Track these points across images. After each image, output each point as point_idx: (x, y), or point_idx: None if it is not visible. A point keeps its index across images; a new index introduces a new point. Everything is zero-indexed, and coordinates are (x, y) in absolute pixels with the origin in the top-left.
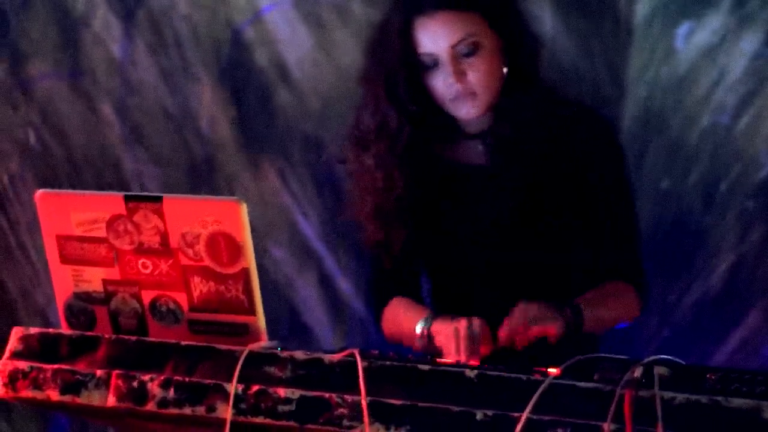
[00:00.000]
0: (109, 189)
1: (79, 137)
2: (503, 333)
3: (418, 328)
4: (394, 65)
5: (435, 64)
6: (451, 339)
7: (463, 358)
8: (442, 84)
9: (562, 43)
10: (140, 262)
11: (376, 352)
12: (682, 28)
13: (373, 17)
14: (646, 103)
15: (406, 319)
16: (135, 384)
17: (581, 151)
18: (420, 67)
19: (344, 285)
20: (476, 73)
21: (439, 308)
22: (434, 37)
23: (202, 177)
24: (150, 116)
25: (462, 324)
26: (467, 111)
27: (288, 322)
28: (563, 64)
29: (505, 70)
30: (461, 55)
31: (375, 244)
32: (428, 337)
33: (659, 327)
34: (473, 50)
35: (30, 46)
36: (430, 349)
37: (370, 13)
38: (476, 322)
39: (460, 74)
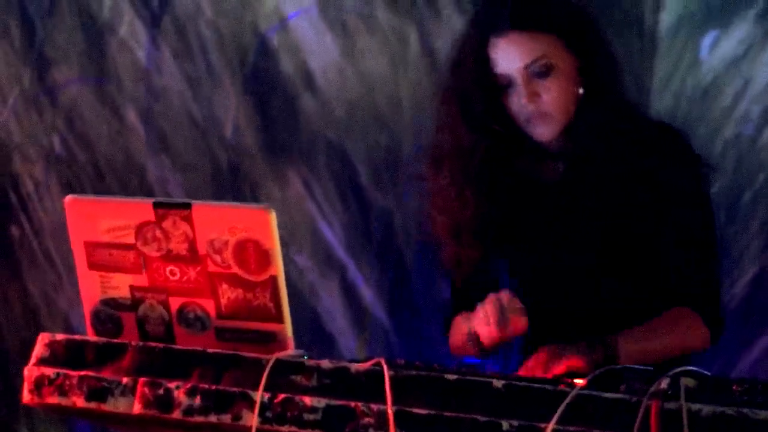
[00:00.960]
0: (134, 195)
1: (104, 144)
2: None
3: (466, 328)
4: (468, 85)
5: (509, 84)
6: (480, 315)
7: (494, 333)
8: (516, 104)
9: None
10: (168, 268)
11: (402, 361)
12: (707, 38)
13: (397, 25)
14: (671, 114)
15: (464, 326)
16: (161, 391)
17: (659, 170)
18: (496, 87)
19: (367, 293)
20: (550, 95)
21: None
22: (507, 57)
23: (226, 184)
24: (175, 123)
25: (490, 298)
26: (540, 132)
27: (310, 330)
28: (615, 55)
29: (581, 90)
30: (534, 75)
31: (449, 263)
32: (475, 335)
33: None
34: (547, 71)
35: (56, 52)
36: (478, 347)
37: (395, 22)
38: (504, 294)
39: (533, 95)
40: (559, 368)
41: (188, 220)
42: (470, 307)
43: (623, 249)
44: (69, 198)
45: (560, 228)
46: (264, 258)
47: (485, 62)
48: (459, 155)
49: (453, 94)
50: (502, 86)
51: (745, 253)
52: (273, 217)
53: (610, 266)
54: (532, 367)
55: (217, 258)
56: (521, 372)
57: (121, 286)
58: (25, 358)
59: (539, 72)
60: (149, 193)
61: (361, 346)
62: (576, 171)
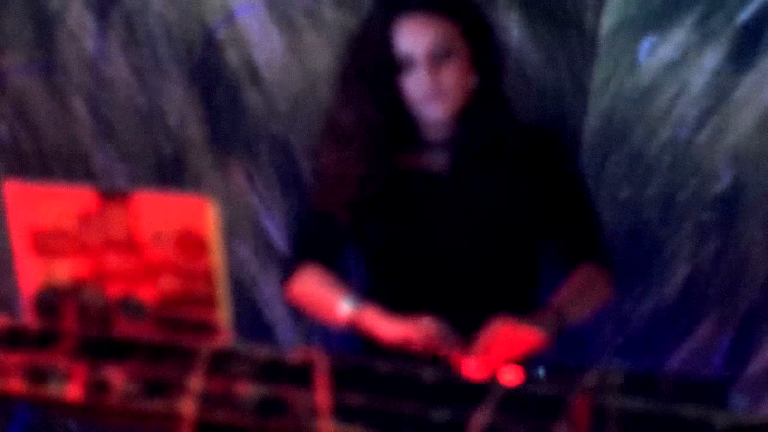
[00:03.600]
0: (78, 183)
1: (50, 131)
2: (479, 350)
3: (345, 308)
4: (373, 63)
5: (410, 64)
6: (419, 339)
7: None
8: (415, 84)
9: (527, 53)
10: (108, 256)
11: (337, 352)
12: (646, 42)
13: (344, 22)
14: (609, 115)
15: (326, 291)
16: (99, 377)
17: (535, 159)
18: (393, 68)
19: None
20: (449, 76)
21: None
22: (412, 38)
23: (170, 174)
24: (121, 112)
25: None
26: (435, 111)
27: (250, 321)
28: (528, 74)
29: (474, 79)
30: (436, 57)
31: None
32: (352, 322)
33: (614, 334)
34: (447, 54)
35: (3, 40)
36: (353, 329)
37: (341, 18)
38: (436, 324)
39: (434, 74)
40: (519, 347)
41: (129, 208)
42: (325, 258)
43: (508, 233)
44: (10, 183)
45: (444, 217)
46: (203, 248)
47: (388, 41)
48: (365, 132)
49: (358, 72)
50: (400, 66)
51: (678, 253)
52: (213, 207)
53: (495, 252)
54: (490, 346)
55: (157, 247)
56: (476, 349)
57: (60, 272)
58: None
59: (441, 54)
60: (94, 182)
61: (300, 337)
62: (460, 161)
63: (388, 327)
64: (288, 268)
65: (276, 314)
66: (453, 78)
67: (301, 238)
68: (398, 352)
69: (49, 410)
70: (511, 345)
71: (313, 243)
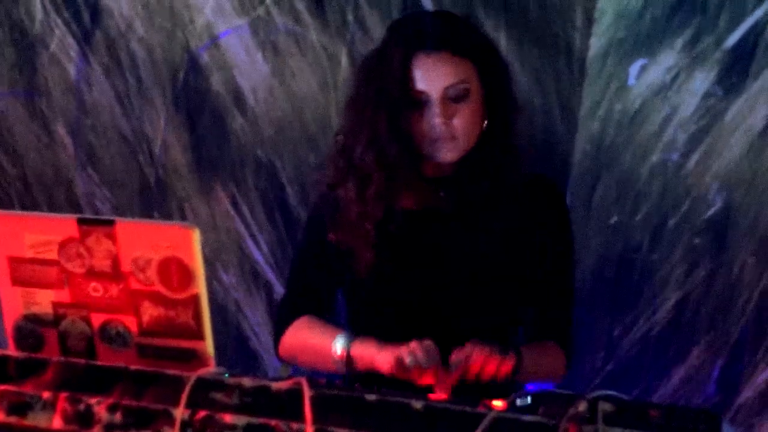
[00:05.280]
0: (61, 210)
1: (32, 157)
2: (459, 357)
3: (338, 347)
4: (394, 97)
5: (424, 102)
6: (401, 368)
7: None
8: (427, 124)
9: (515, 76)
10: (91, 285)
11: (323, 380)
12: (636, 65)
13: (327, 45)
14: (598, 139)
15: (318, 336)
16: (82, 407)
17: (537, 213)
18: (406, 104)
19: None
20: (461, 119)
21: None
22: (431, 76)
23: (153, 200)
24: (104, 138)
25: (409, 350)
26: (444, 154)
27: (236, 348)
28: (516, 98)
29: (485, 122)
30: (451, 97)
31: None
32: (348, 358)
33: (604, 361)
34: (463, 96)
35: None
36: (349, 370)
37: (325, 42)
38: (424, 346)
39: (447, 116)
40: (490, 368)
41: (112, 237)
42: (315, 310)
43: (492, 281)
44: None
45: (436, 254)
46: (187, 276)
47: (405, 75)
48: (383, 167)
49: (377, 105)
50: (413, 103)
51: (669, 279)
52: (196, 236)
53: (477, 296)
54: (465, 365)
55: (140, 275)
56: (457, 356)
57: (43, 301)
58: None
59: (457, 95)
60: (76, 208)
61: (285, 365)
62: (458, 200)
63: (382, 358)
64: (279, 323)
65: (261, 340)
66: (466, 121)
67: (292, 292)
68: (390, 384)
69: None
70: (483, 365)
71: (304, 293)
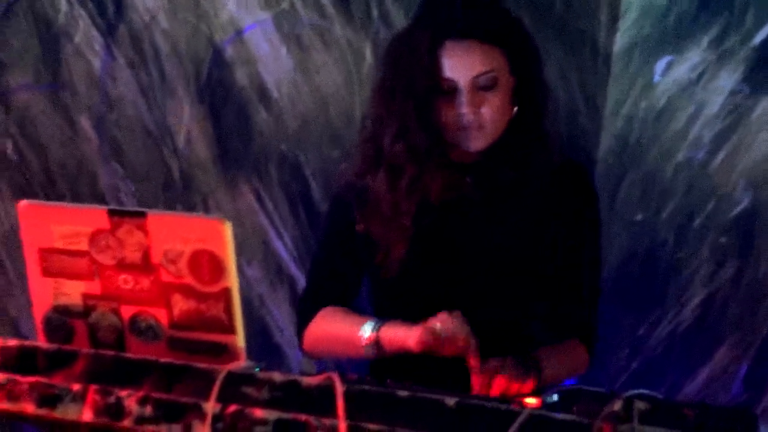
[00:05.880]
0: (84, 202)
1: (56, 150)
2: (480, 380)
3: (367, 330)
4: (422, 86)
5: (452, 90)
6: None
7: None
8: (454, 112)
9: None
10: (121, 277)
11: (354, 376)
12: (661, 62)
13: (352, 40)
14: (623, 136)
15: (345, 323)
16: (112, 399)
17: (565, 202)
18: (433, 92)
19: None
20: (489, 108)
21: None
22: (459, 64)
23: (177, 194)
24: (128, 131)
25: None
26: (472, 143)
27: (259, 343)
28: (547, 83)
29: (515, 109)
30: (480, 87)
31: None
32: (376, 342)
33: (629, 359)
34: (492, 85)
35: (10, 57)
36: (378, 354)
37: (350, 36)
38: (450, 319)
39: (475, 105)
40: (500, 387)
41: (143, 229)
42: (339, 300)
43: (519, 272)
44: (23, 203)
45: (462, 242)
46: (218, 269)
47: (434, 62)
48: (414, 161)
49: (405, 92)
50: (441, 91)
51: (694, 278)
52: (228, 229)
53: (502, 288)
54: (496, 377)
55: (171, 268)
56: (478, 379)
57: (73, 293)
58: None
59: (485, 84)
60: (101, 200)
61: (308, 359)
62: (486, 188)
63: (412, 334)
64: (302, 316)
65: (285, 335)
66: (494, 110)
67: (315, 284)
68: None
69: None
70: (505, 389)
71: (328, 283)
